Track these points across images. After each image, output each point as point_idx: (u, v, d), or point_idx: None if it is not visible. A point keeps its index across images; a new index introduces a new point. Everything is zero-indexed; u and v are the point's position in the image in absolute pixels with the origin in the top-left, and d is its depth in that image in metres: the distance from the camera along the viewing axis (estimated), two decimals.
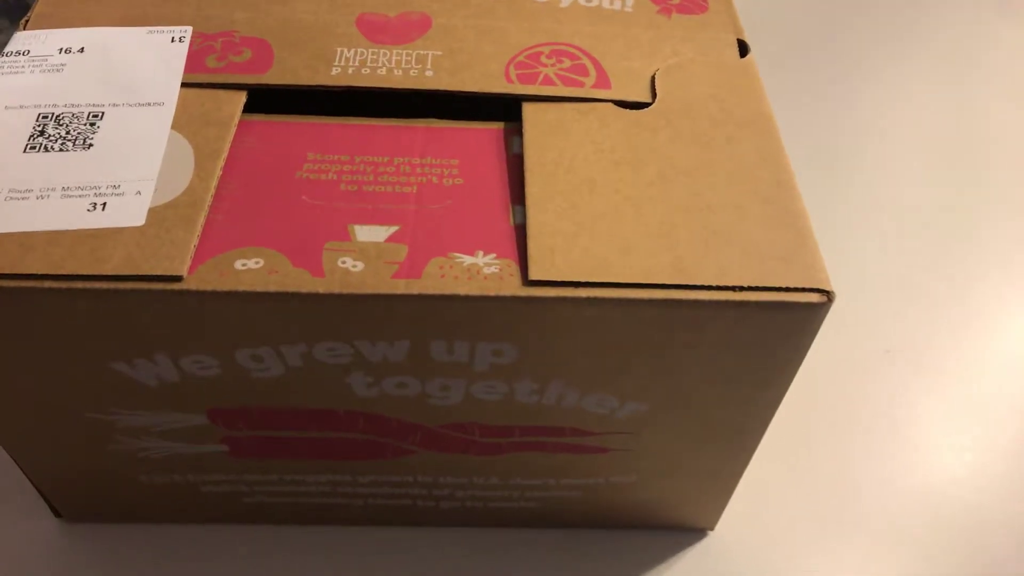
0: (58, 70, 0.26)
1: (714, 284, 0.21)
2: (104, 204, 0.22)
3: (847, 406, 0.36)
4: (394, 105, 0.27)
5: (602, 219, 0.23)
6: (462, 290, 0.21)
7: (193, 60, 0.26)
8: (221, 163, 0.24)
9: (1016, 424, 0.36)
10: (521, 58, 0.27)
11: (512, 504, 0.30)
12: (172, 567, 0.30)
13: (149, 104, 0.25)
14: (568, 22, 0.28)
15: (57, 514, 0.31)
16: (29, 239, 0.22)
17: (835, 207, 0.44)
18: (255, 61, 0.26)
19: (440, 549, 0.31)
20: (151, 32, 0.27)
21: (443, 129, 0.25)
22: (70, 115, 0.25)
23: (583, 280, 0.21)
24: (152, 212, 0.22)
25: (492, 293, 0.21)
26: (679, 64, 0.27)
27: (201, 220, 0.22)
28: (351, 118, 0.25)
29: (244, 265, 0.21)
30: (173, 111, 0.25)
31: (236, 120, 0.25)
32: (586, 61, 0.27)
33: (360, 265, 0.22)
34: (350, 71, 0.26)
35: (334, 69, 0.26)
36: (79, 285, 0.21)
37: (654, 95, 0.26)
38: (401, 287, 0.21)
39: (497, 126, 0.26)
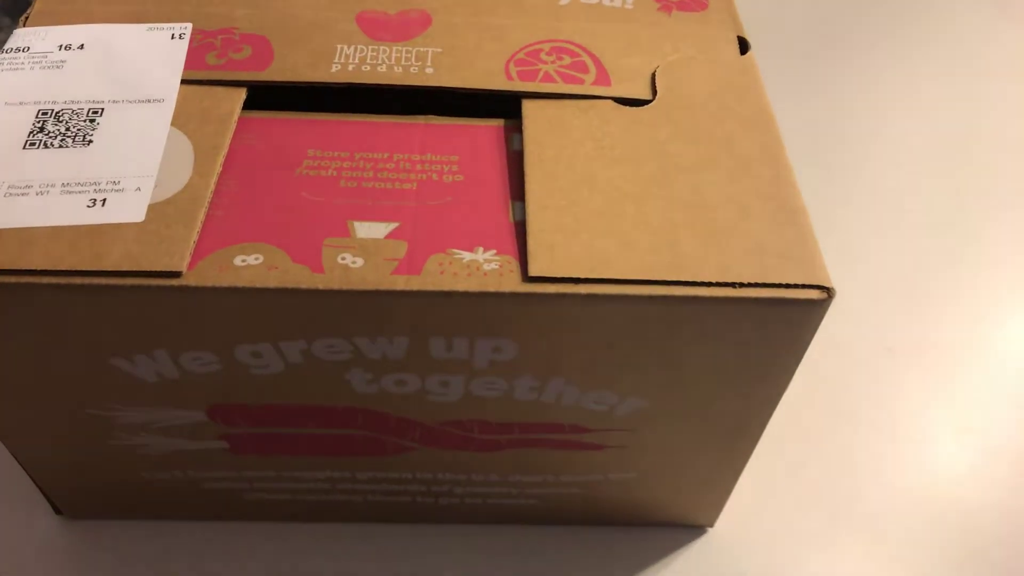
0: (58, 67, 0.26)
1: (714, 281, 0.21)
2: (104, 200, 0.22)
3: (847, 403, 0.36)
4: (394, 102, 0.27)
5: (602, 216, 0.23)
6: (461, 286, 0.21)
7: (193, 57, 0.26)
8: (221, 159, 0.24)
9: (1017, 423, 0.36)
10: (521, 55, 0.27)
11: (511, 501, 0.30)
12: (172, 564, 0.30)
13: (149, 101, 0.25)
14: (568, 19, 0.28)
15: (57, 511, 0.31)
16: (29, 235, 0.22)
17: (835, 204, 0.44)
18: (255, 58, 0.26)
19: (439, 546, 0.31)
20: (151, 29, 0.27)
21: (443, 126, 0.25)
22: (70, 112, 0.25)
23: (583, 276, 0.21)
24: (152, 208, 0.22)
25: (492, 289, 0.21)
26: (679, 61, 0.27)
27: (201, 216, 0.22)
28: (351, 115, 0.25)
29: (244, 261, 0.21)
30: (173, 108, 0.25)
31: (236, 117, 0.25)
32: (586, 58, 0.27)
33: (360, 261, 0.22)
34: (350, 68, 0.26)
35: (334, 66, 0.26)
36: (79, 281, 0.21)
37: (654, 92, 0.26)
38: (401, 283, 0.21)
39: (497, 123, 0.26)
